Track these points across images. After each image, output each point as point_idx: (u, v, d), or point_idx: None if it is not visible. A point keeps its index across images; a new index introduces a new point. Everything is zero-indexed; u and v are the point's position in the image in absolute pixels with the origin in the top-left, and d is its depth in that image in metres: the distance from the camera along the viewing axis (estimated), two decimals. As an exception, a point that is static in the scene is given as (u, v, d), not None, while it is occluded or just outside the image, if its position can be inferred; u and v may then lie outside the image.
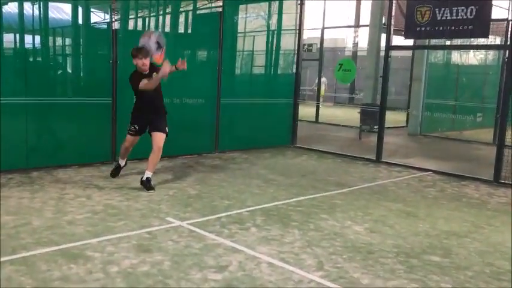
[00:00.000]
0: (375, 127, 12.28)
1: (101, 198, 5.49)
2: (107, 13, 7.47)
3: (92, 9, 7.48)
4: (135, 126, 6.12)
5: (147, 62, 5.85)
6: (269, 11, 9.76)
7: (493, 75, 15.06)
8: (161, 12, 8.37)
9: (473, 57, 15.05)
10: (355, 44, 25.00)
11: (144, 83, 5.74)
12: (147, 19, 8.23)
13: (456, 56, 14.56)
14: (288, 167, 7.90)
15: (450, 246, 4.46)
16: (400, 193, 6.44)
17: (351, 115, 18.08)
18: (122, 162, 6.54)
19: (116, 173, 6.50)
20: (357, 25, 21.08)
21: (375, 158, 8.71)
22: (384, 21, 14.49)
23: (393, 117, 13.17)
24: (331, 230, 4.74)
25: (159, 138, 6.01)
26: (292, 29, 9.85)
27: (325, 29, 15.62)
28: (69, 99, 7.17)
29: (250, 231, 4.62)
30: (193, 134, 8.49)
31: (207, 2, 9.54)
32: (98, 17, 8.29)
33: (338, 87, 20.46)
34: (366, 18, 22.45)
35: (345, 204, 5.75)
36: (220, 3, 8.85)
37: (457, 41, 9.19)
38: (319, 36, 15.62)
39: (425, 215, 5.45)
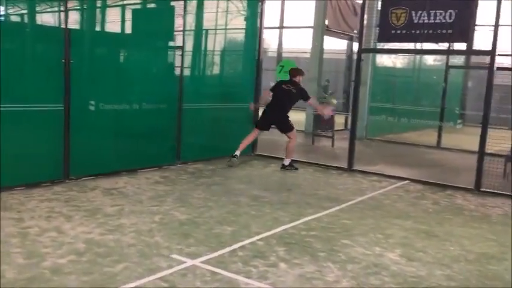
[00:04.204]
0: (320, 132, 12.03)
1: (75, 232, 4.42)
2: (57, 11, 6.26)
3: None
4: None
5: None
6: (227, 9, 8.98)
7: (430, 79, 15.52)
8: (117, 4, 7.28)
9: (410, 61, 15.36)
10: (280, 46, 24.87)
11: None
12: (100, 17, 7.02)
13: (393, 61, 14.76)
14: (266, 180, 7.21)
15: (501, 273, 4.06)
16: (399, 207, 6.02)
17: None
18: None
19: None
20: (291, 26, 20.63)
21: (346, 167, 8.28)
22: (326, 23, 14.32)
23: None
24: (367, 260, 4.14)
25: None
26: (251, 29, 9.14)
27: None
28: (7, 106, 5.79)
29: (280, 268, 3.87)
30: (153, 143, 7.49)
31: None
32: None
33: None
34: (290, 19, 22.41)
35: (356, 224, 5.19)
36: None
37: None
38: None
39: (444, 233, 5.05)
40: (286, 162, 7.99)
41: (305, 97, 8.14)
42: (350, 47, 17.51)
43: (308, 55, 20.84)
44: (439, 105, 12.77)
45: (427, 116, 13.71)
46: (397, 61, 14.90)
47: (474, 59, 18.80)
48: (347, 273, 3.85)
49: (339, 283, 3.67)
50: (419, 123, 12.98)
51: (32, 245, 4.03)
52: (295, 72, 8.27)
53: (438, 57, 15.96)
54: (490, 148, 7.59)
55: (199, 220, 5.00)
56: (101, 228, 4.57)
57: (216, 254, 4.09)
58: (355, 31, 15.79)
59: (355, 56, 16.26)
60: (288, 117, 8.08)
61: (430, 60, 16.77)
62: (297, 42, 22.05)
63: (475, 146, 11.03)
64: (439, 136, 12.22)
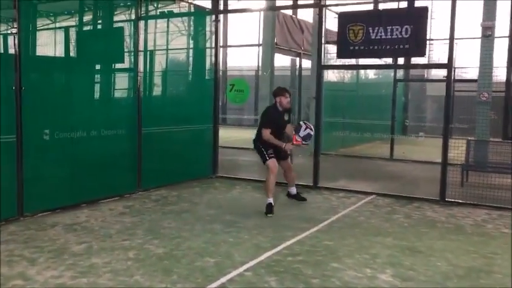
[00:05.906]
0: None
1: (43, 277, 3.99)
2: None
3: None
4: (271, 150, 6.48)
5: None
6: (180, 28, 8.75)
7: (375, 92, 15.93)
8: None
9: (354, 75, 15.70)
10: (224, 63, 24.82)
11: (269, 137, 6.41)
12: (52, 41, 6.59)
13: (337, 75, 14.99)
14: (234, 203, 6.97)
15: (493, 287, 4.04)
16: (375, 224, 5.97)
17: (239, 136, 17.51)
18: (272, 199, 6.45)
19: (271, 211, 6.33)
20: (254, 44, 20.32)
21: (312, 184, 8.20)
22: (276, 41, 14.36)
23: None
24: (363, 284, 4.01)
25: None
26: (207, 48, 8.95)
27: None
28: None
29: (277, 301, 3.65)
30: (113, 171, 7.06)
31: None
32: None
33: (229, 108, 19.81)
34: (232, 37, 22.53)
35: (339, 245, 5.06)
36: (132, 16, 7.57)
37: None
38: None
39: (426, 248, 5.02)
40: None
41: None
42: (295, 63, 17.74)
43: (253, 73, 20.99)
44: (388, 118, 13.12)
45: (377, 129, 14.03)
46: (341, 76, 15.14)
47: (413, 72, 19.65)
48: (347, 301, 3.69)
49: (342, 312, 3.50)
50: (372, 136, 13.24)
51: (-2, 298, 3.58)
52: (274, 92, 6.79)
53: (380, 71, 16.49)
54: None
55: (178, 253, 4.68)
56: (71, 270, 4.16)
57: (205, 291, 3.81)
58: (303, 48, 16.01)
59: (304, 73, 16.65)
60: (261, 144, 6.47)
61: (371, 74, 17.27)
62: (241, 59, 22.13)
63: (424, 156, 11.48)
64: (392, 148, 12.47)
